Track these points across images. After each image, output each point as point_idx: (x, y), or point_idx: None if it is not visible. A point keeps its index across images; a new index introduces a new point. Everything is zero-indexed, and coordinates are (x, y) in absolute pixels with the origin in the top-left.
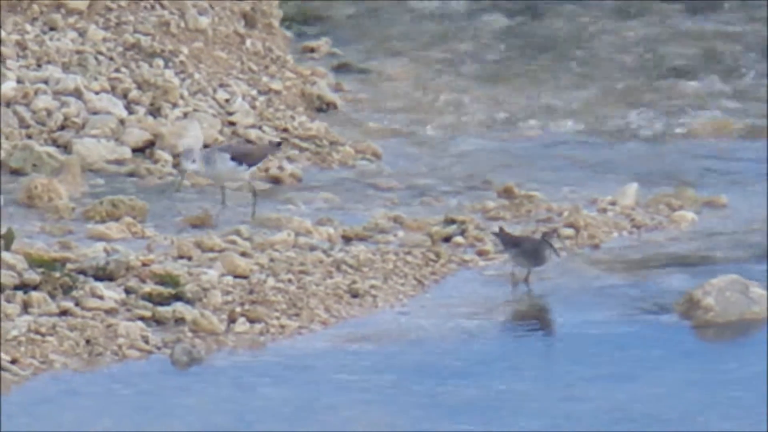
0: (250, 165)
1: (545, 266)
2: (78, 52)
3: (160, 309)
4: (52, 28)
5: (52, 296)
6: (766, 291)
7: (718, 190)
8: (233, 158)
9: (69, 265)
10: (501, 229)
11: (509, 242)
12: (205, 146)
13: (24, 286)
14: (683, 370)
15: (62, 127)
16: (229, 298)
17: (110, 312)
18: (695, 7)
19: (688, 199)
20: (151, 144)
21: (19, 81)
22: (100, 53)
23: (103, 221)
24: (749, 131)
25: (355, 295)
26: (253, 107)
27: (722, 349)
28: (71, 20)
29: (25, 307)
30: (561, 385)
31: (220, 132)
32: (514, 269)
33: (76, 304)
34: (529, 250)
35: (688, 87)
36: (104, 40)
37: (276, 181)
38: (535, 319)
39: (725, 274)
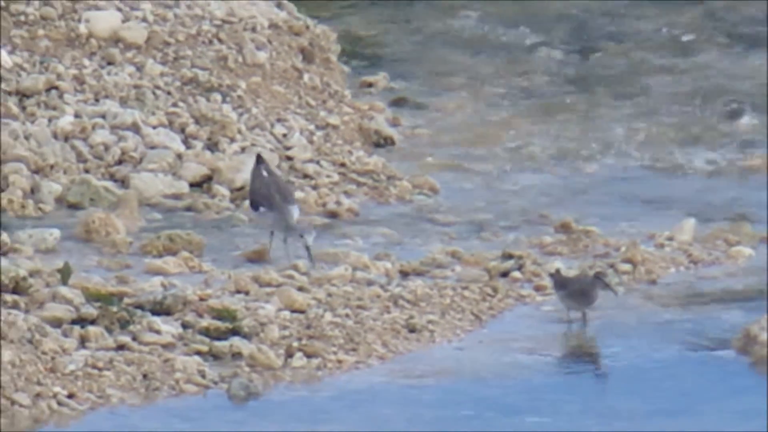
0: None
1: (594, 305)
2: (136, 86)
3: (217, 343)
4: (109, 63)
5: (109, 330)
6: None
7: None
8: None
9: (126, 300)
10: (557, 271)
11: (559, 284)
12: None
13: (81, 321)
14: (740, 406)
15: (120, 162)
16: (287, 332)
17: (167, 346)
18: (750, 42)
19: (745, 234)
20: (208, 178)
21: (76, 115)
22: (158, 88)
23: (160, 256)
24: None
25: (412, 330)
26: (311, 142)
27: None
28: (129, 55)
29: (83, 341)
30: (619, 421)
31: (278, 167)
32: (567, 311)
33: (134, 339)
34: (576, 291)
35: (744, 122)
36: (162, 74)
37: (334, 215)
38: (591, 355)
39: None
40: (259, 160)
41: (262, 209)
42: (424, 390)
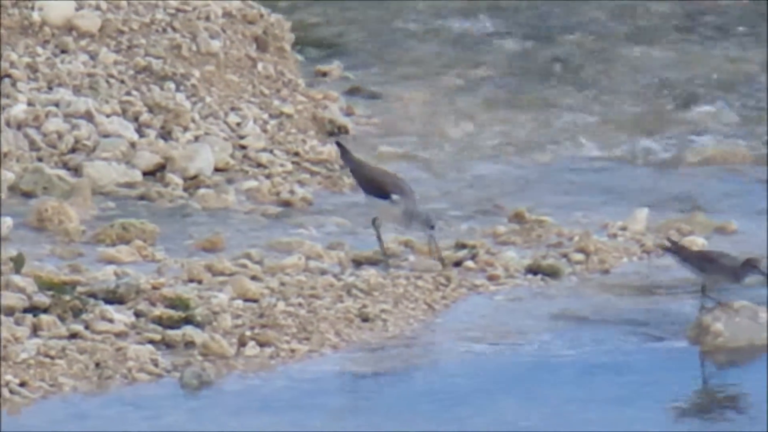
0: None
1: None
2: (89, 75)
3: (170, 332)
4: (63, 51)
5: (62, 319)
6: None
7: (729, 216)
8: None
9: (79, 288)
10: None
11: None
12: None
13: (34, 309)
14: (693, 395)
15: (73, 150)
16: (239, 321)
17: (120, 335)
18: (706, 33)
19: (699, 224)
20: (162, 167)
21: (30, 104)
22: (112, 76)
23: (113, 244)
24: (760, 157)
25: (365, 320)
26: (265, 131)
27: (731, 374)
28: (83, 43)
29: (35, 330)
30: (570, 409)
31: (231, 156)
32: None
33: (86, 327)
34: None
35: (699, 112)
36: (115, 63)
37: (287, 204)
38: (544, 344)
39: (735, 299)
40: (342, 147)
41: (395, 196)
42: (377, 379)
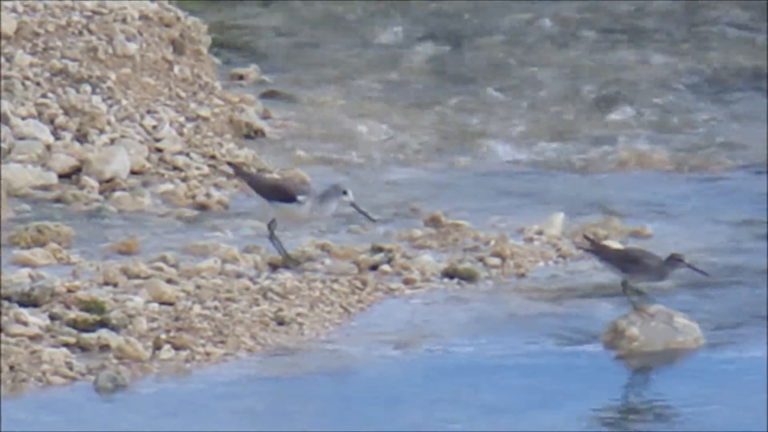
0: None
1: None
2: (5, 77)
3: (85, 335)
4: None
5: None
6: (690, 321)
7: (644, 221)
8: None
9: None
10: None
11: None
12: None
13: None
14: (608, 399)
15: None
16: (155, 324)
17: (35, 338)
18: (623, 38)
19: (614, 229)
20: (77, 170)
21: None
22: (27, 78)
23: (28, 247)
24: (675, 162)
25: (281, 323)
26: (181, 134)
27: (646, 379)
28: None
29: None
30: (488, 414)
31: (147, 159)
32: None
33: (0, 330)
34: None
35: (615, 117)
36: (31, 65)
37: (203, 208)
38: (461, 348)
39: (650, 304)
40: (234, 166)
41: (301, 197)
42: (293, 383)
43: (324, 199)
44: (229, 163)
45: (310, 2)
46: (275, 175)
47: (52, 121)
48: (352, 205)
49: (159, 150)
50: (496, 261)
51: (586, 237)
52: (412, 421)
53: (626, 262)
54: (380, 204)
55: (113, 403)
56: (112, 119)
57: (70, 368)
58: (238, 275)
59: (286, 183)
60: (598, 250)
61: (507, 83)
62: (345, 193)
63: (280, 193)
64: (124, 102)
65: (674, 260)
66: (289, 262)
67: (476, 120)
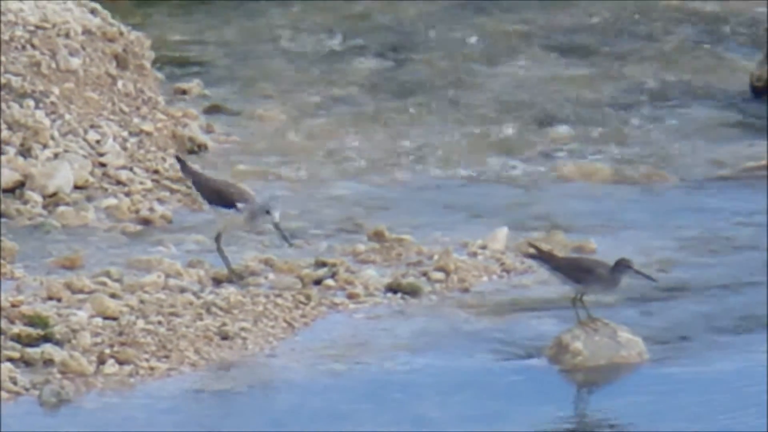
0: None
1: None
2: None
3: (29, 350)
4: None
5: None
6: (634, 335)
7: (588, 235)
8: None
9: None
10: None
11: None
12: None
13: None
14: (551, 414)
15: None
16: (99, 339)
17: None
18: (567, 51)
19: (558, 243)
20: (21, 185)
21: None
22: None
23: None
24: (619, 176)
25: (225, 338)
26: (124, 148)
27: (590, 394)
28: None
29: None
30: (428, 429)
31: (91, 173)
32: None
33: None
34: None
35: (558, 132)
36: None
37: (147, 222)
38: (403, 363)
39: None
40: (181, 160)
41: (240, 205)
42: (236, 397)
43: (261, 211)
44: (177, 158)
45: (253, 17)
46: (222, 180)
47: None
48: (275, 225)
49: (102, 165)
50: (439, 276)
51: (531, 245)
52: None
53: (579, 271)
54: (323, 219)
55: (57, 417)
56: (56, 134)
57: (14, 383)
58: (182, 290)
59: (229, 189)
60: (547, 258)
61: (449, 97)
62: (268, 212)
63: (220, 198)
64: (67, 117)
65: (623, 266)
66: (232, 277)
67: (419, 134)
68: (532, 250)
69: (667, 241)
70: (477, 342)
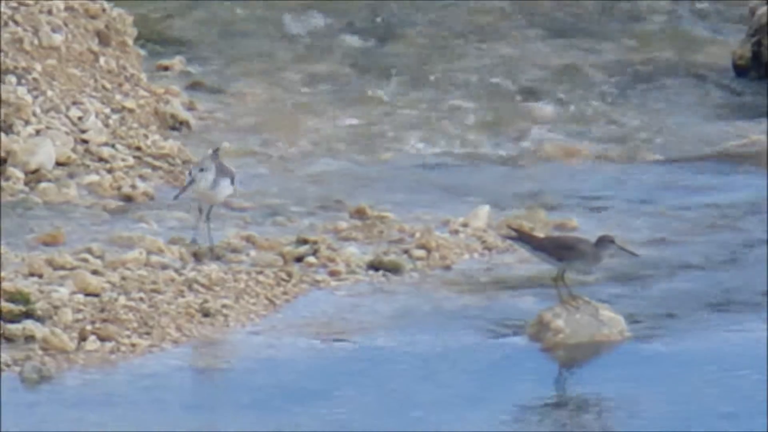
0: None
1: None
2: None
3: (10, 326)
4: None
5: None
6: (615, 314)
7: (569, 213)
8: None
9: None
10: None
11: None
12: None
13: None
14: (532, 392)
15: None
16: (80, 316)
17: None
18: (549, 30)
19: (540, 221)
20: (3, 161)
21: None
22: None
23: None
24: (601, 154)
25: (206, 314)
26: (106, 125)
27: (571, 372)
28: None
29: None
30: (413, 408)
31: (73, 150)
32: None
33: None
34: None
35: (540, 110)
36: None
37: (129, 199)
38: (385, 340)
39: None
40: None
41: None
42: (218, 374)
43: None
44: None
45: None
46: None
47: None
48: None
49: (84, 141)
50: (421, 253)
51: (510, 227)
52: (336, 414)
53: (561, 249)
54: (306, 196)
55: (38, 394)
56: (38, 110)
57: None
58: (164, 267)
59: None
60: (527, 239)
61: (432, 75)
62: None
63: None
64: (49, 93)
65: (605, 242)
66: (209, 254)
67: (401, 112)
68: (511, 232)
69: (648, 219)
70: (458, 320)
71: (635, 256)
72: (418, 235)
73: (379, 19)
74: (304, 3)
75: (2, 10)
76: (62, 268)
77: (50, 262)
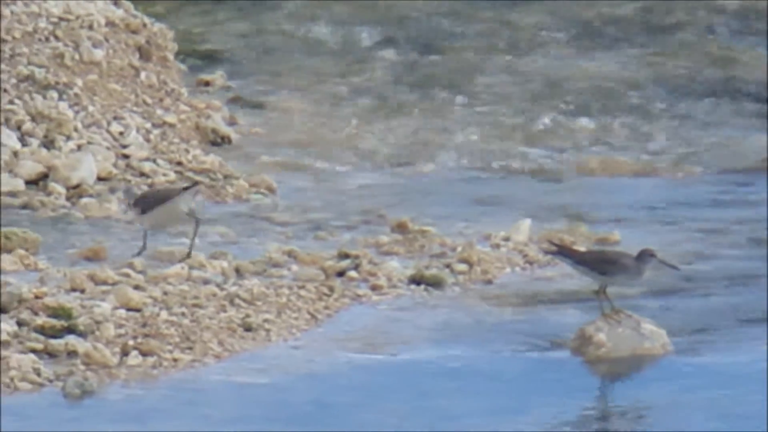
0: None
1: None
2: None
3: (53, 341)
4: None
5: None
6: (657, 327)
7: (611, 227)
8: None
9: None
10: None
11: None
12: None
13: None
14: (575, 406)
15: None
16: (122, 331)
17: (2, 344)
18: (591, 43)
19: (581, 235)
20: (44, 176)
21: None
22: None
23: None
24: (641, 168)
25: (248, 329)
26: (148, 140)
27: (614, 385)
28: None
29: None
30: (454, 421)
31: (114, 165)
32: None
33: None
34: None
35: (581, 124)
36: None
37: None
38: (427, 354)
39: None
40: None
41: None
42: (259, 389)
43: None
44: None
45: (276, 8)
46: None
47: (19, 128)
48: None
49: (126, 156)
50: (463, 267)
51: (551, 242)
52: (378, 428)
53: (603, 263)
54: (347, 210)
55: (81, 409)
56: (79, 125)
57: (38, 374)
58: (205, 281)
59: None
60: (569, 253)
61: (473, 89)
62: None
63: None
64: (90, 108)
65: (647, 255)
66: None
67: (443, 126)
68: (552, 247)
69: (690, 233)
70: (500, 334)
71: (676, 270)
72: (459, 249)
73: (420, 32)
74: (344, 17)
75: (43, 25)
76: (104, 283)
77: (92, 277)
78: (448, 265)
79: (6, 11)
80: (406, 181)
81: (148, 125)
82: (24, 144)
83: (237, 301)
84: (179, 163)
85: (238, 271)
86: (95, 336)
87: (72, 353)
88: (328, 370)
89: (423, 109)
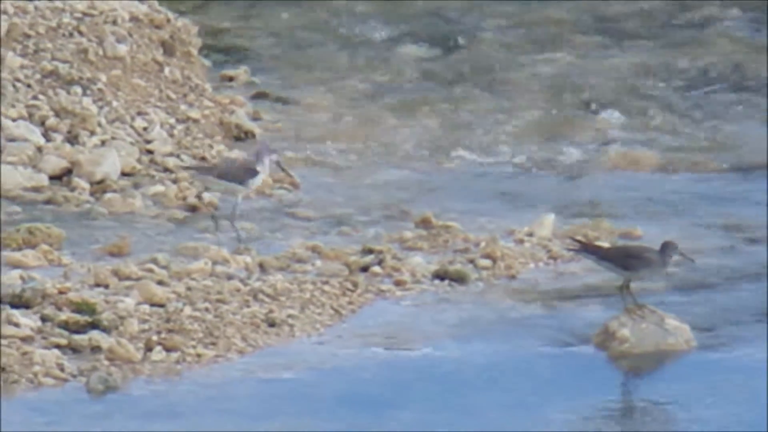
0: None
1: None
2: None
3: (76, 337)
4: None
5: None
6: (681, 323)
7: (634, 222)
8: None
9: None
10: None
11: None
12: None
13: None
14: (599, 401)
15: None
16: (146, 326)
17: (26, 339)
18: (614, 39)
19: (605, 230)
20: (68, 172)
21: None
22: (18, 80)
23: (19, 249)
24: (665, 163)
25: (272, 324)
26: (171, 135)
27: (637, 380)
28: None
29: None
30: (475, 415)
31: (138, 160)
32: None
33: None
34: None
35: (604, 119)
36: (22, 67)
37: (194, 209)
38: (450, 349)
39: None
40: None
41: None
42: (283, 384)
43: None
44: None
45: (300, 4)
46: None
47: (42, 123)
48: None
49: (150, 152)
50: (486, 263)
51: (574, 239)
52: (402, 423)
53: (628, 258)
54: (370, 206)
55: (104, 404)
56: (103, 121)
57: (62, 370)
58: (229, 277)
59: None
60: (594, 250)
61: (495, 84)
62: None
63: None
64: (114, 104)
65: (669, 247)
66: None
67: (465, 121)
68: (575, 244)
69: (713, 229)
70: (524, 329)
71: (692, 262)
72: (483, 244)
73: (443, 29)
74: (368, 12)
75: (67, 20)
76: (128, 278)
77: (116, 273)
78: (471, 261)
79: (30, 6)
80: (429, 176)
81: (172, 120)
82: (48, 139)
83: (261, 296)
84: (203, 159)
85: (261, 267)
86: (119, 331)
87: (96, 349)
88: (351, 365)
89: (446, 104)
